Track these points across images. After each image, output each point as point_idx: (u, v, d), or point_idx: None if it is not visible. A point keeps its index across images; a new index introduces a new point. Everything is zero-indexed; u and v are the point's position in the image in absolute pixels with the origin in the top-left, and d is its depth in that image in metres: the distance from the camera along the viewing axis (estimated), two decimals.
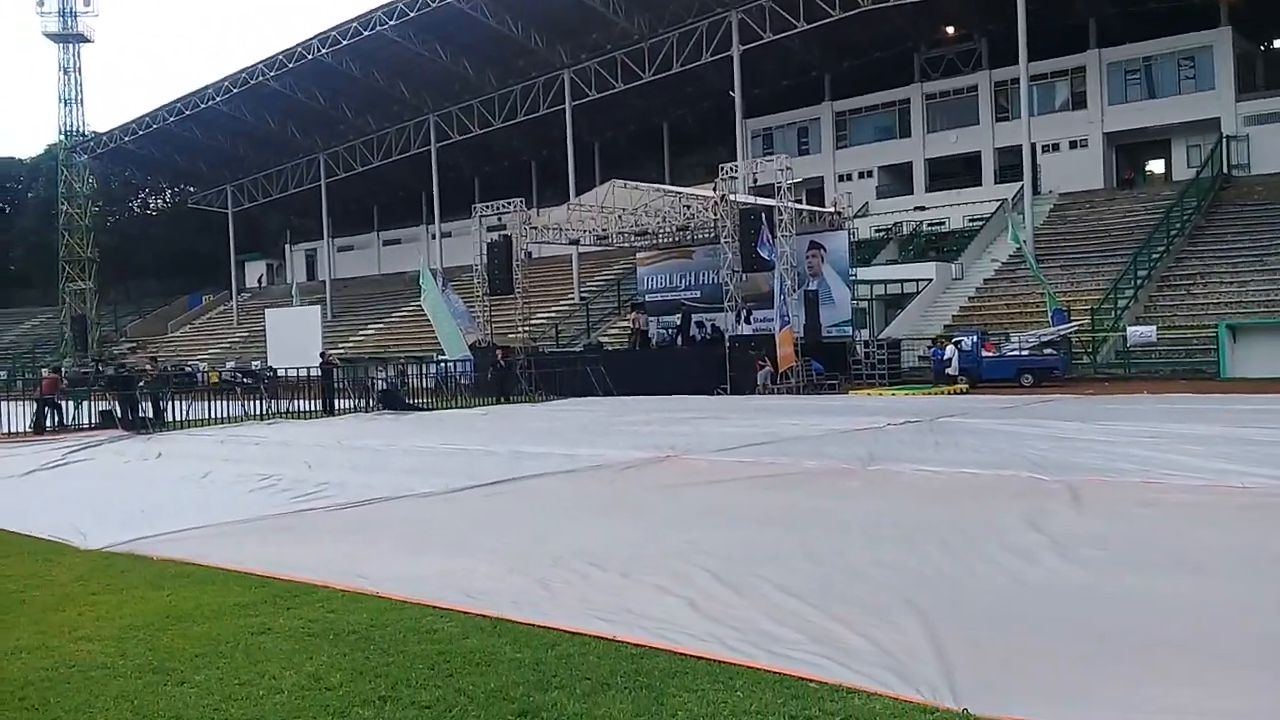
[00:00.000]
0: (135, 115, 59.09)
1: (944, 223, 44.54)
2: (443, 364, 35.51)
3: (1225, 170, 39.82)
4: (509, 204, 34.30)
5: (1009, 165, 45.95)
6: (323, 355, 27.69)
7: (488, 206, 34.98)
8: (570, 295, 51.20)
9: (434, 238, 61.57)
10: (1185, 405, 18.61)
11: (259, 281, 74.27)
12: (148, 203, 76.29)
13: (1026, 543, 6.85)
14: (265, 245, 75.07)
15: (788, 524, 7.95)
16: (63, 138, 63.16)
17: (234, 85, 53.24)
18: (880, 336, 34.35)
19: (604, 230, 33.62)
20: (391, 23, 46.35)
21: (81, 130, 63.35)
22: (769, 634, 4.88)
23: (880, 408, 20.37)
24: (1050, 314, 30.34)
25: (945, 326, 36.16)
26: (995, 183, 45.69)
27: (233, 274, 67.37)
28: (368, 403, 25.76)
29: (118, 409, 21.87)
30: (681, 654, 4.67)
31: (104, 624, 5.73)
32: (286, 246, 73.19)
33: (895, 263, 41.48)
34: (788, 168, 28.80)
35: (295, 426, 21.03)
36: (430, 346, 48.83)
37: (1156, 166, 46.04)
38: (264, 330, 58.42)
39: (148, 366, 26.94)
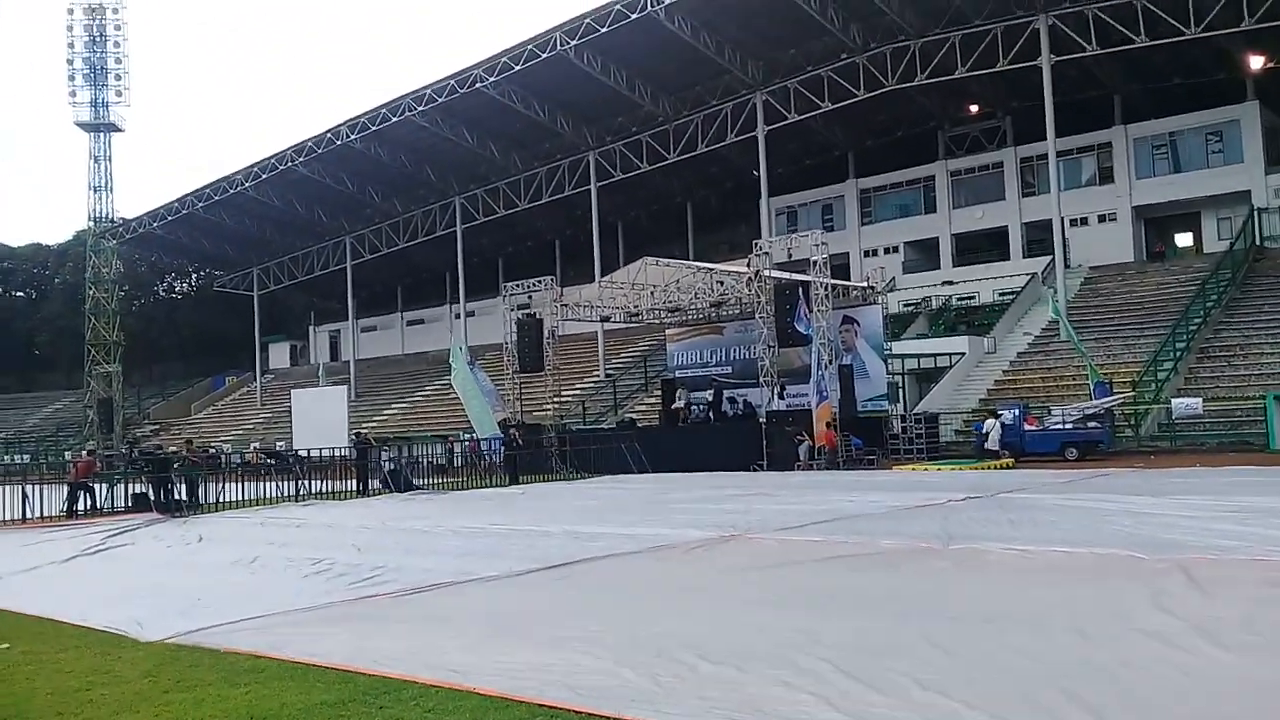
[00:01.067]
0: (163, 200, 60.09)
1: (974, 296, 44.25)
2: (467, 442, 35.30)
3: (1258, 242, 39.53)
4: (539, 282, 34.24)
5: (1036, 239, 45.85)
6: (358, 434, 27.32)
7: (517, 285, 34.88)
8: (595, 372, 50.92)
9: (458, 317, 61.73)
10: (1248, 478, 17.99)
11: (290, 361, 74.40)
12: (173, 286, 76.91)
13: (1166, 628, 6.34)
14: (289, 327, 75.40)
15: (894, 610, 7.44)
16: (92, 224, 63.89)
17: (263, 171, 53.87)
18: (916, 411, 33.80)
19: (635, 307, 33.42)
20: (420, 109, 46.94)
21: (110, 217, 64.15)
22: None
23: (933, 483, 19.81)
24: (1092, 386, 29.80)
25: (981, 400, 35.72)
26: (1023, 257, 45.48)
27: (257, 355, 67.53)
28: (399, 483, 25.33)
29: (151, 492, 21.49)
30: None
31: None
32: (310, 328, 73.46)
33: (925, 337, 41.13)
34: (823, 243, 28.65)
35: (333, 508, 20.59)
36: (454, 425, 48.57)
37: (1184, 239, 45.79)
38: (288, 411, 58.36)
39: (174, 449, 26.65)
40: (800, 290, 27.16)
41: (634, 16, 39.30)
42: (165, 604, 9.12)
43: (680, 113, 46.68)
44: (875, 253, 49.57)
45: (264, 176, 54.02)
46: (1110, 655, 5.74)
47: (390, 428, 53.20)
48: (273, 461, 35.25)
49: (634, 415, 42.26)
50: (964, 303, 44.38)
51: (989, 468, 25.28)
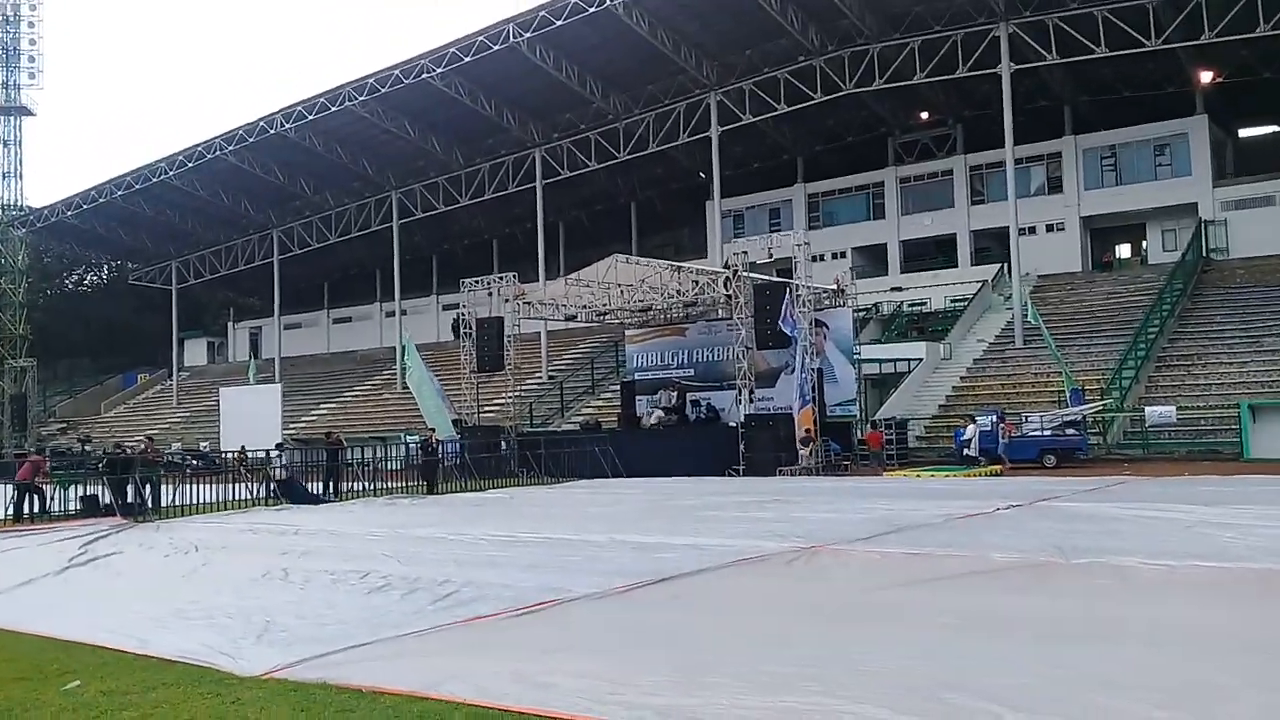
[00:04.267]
0: (79, 189, 56.79)
1: (925, 303, 44.23)
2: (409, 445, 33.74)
3: (1205, 254, 40.20)
4: (500, 278, 33.01)
5: (983, 247, 46.17)
6: (329, 435, 25.73)
7: (476, 281, 33.54)
8: (538, 373, 49.62)
9: (389, 315, 59.91)
10: (1269, 488, 17.75)
11: (207, 359, 71.44)
12: (83, 279, 73.15)
13: None
14: (205, 323, 72.39)
15: (1131, 637, 6.54)
16: (0, 211, 60.39)
17: (188, 159, 51.39)
18: (884, 417, 33.40)
19: (604, 305, 32.36)
20: (361, 99, 45.20)
21: (19, 204, 60.72)
22: None
23: (949, 491, 19.19)
24: (1068, 393, 29.74)
25: (940, 406, 35.62)
26: (971, 264, 45.73)
27: (174, 352, 64.53)
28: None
29: (106, 494, 19.71)
30: None
31: None
32: (230, 324, 70.66)
33: (879, 342, 40.92)
34: (806, 243, 28.02)
35: (310, 513, 19.03)
36: (388, 427, 46.90)
37: (1125, 250, 46.48)
38: (206, 410, 55.87)
39: (130, 446, 24.65)
40: (786, 291, 26.42)
41: (591, 10, 38.30)
42: (231, 627, 7.82)
43: (631, 111, 45.76)
44: (823, 258, 49.15)
45: (189, 165, 51.57)
46: None
47: (320, 428, 51.09)
48: (197, 463, 33.23)
49: (580, 418, 41.21)
50: (915, 309, 44.34)
51: (981, 474, 24.87)
